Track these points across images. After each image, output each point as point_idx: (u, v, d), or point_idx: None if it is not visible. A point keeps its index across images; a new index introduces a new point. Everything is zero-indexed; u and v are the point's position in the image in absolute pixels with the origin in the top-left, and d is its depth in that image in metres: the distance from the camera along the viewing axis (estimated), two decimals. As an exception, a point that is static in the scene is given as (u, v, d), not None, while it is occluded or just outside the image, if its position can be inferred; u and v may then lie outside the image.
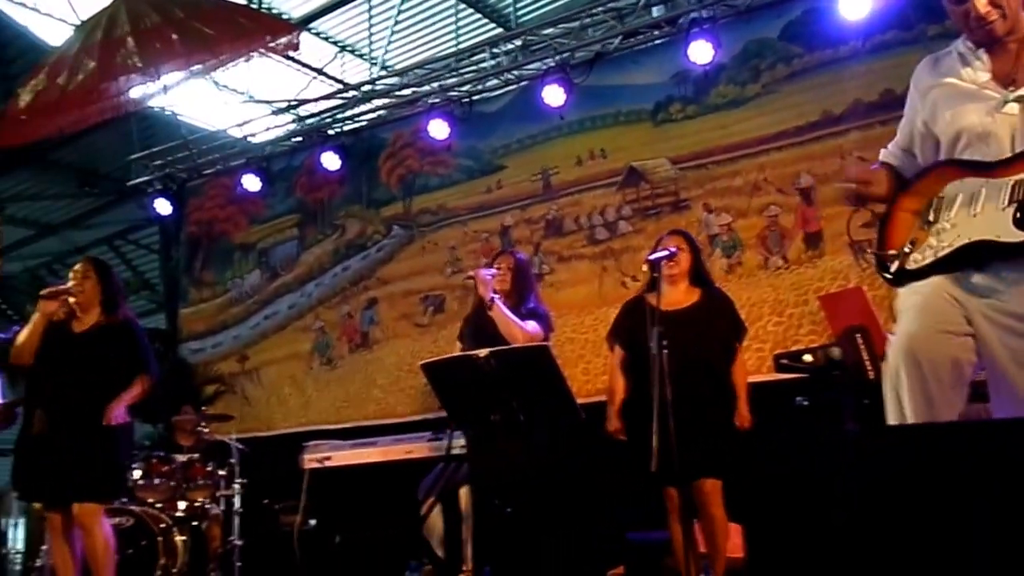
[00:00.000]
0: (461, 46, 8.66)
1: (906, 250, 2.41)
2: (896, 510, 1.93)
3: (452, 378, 4.06)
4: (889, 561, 1.91)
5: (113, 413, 4.26)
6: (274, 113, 8.44)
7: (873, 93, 5.58)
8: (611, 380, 4.37)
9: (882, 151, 2.68)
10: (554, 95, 6.44)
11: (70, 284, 4.44)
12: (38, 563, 5.76)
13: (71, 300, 4.42)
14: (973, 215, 2.31)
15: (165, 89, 6.88)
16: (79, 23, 7.50)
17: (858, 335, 4.09)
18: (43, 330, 4.36)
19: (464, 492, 4.81)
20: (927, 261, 2.36)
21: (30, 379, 4.54)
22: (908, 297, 2.42)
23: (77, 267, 4.52)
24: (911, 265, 2.39)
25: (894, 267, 2.43)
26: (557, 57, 6.60)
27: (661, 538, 4.48)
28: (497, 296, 4.38)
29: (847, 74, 5.71)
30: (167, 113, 9.56)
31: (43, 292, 4.41)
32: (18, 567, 6.32)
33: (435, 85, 7.31)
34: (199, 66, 6.57)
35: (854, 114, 5.62)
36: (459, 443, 4.71)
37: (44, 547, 5.62)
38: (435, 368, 4.13)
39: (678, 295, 4.19)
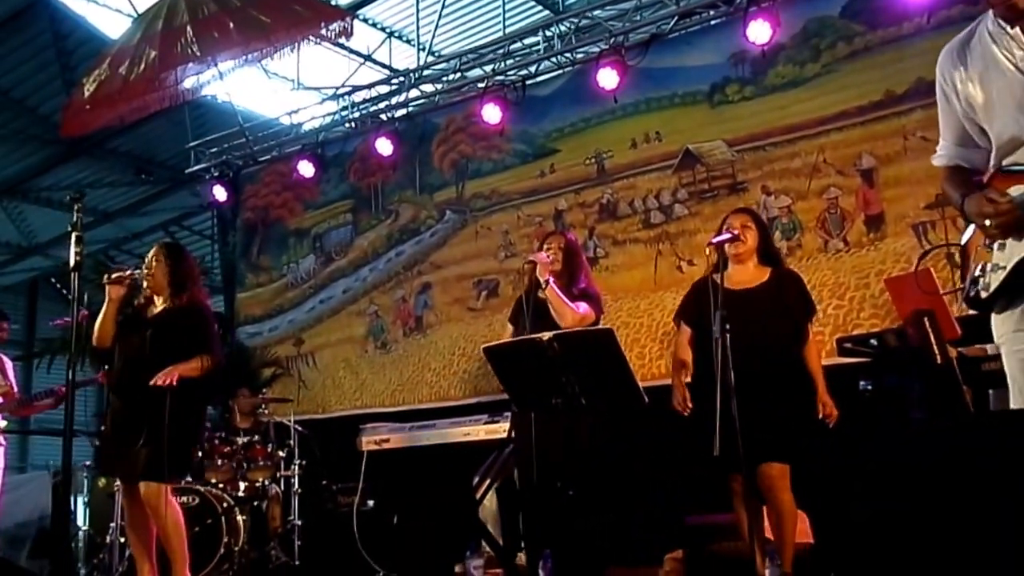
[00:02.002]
0: (509, 30, 8.64)
1: (977, 274, 2.26)
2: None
3: (514, 362, 4.06)
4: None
5: (164, 377, 4.23)
6: (322, 101, 8.50)
7: (938, 72, 5.45)
8: (678, 355, 4.30)
9: (937, 156, 2.45)
10: (608, 78, 6.39)
11: (143, 270, 4.52)
12: (107, 540, 5.91)
13: (145, 286, 4.51)
14: None
15: (221, 76, 6.97)
16: (139, 13, 7.61)
17: (925, 318, 4.02)
18: (116, 315, 4.45)
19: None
20: (994, 287, 2.20)
21: (110, 363, 4.66)
22: (1008, 361, 2.27)
23: (150, 253, 4.60)
24: (984, 293, 2.24)
25: (972, 294, 2.27)
26: (611, 39, 6.55)
27: (720, 522, 4.47)
28: (551, 278, 4.40)
29: (911, 52, 5.59)
30: (220, 101, 9.69)
31: (106, 279, 4.48)
32: (81, 545, 6.43)
33: (487, 69, 7.30)
34: (254, 54, 6.65)
35: (918, 93, 5.48)
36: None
37: (112, 524, 5.77)
38: (497, 352, 4.14)
39: (746, 274, 4.13)
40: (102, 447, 4.55)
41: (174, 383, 4.23)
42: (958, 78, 2.29)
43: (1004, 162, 2.23)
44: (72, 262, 3.41)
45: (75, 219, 3.41)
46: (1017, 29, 2.15)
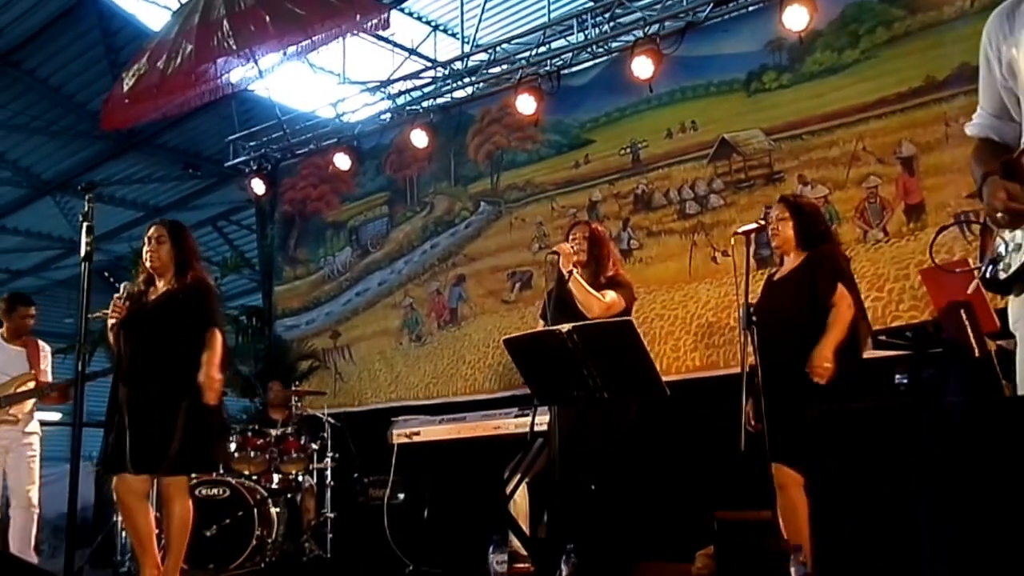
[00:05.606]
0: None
1: (998, 253, 2.12)
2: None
3: (535, 354, 4.02)
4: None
5: (213, 387, 4.10)
6: (364, 92, 8.53)
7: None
8: None
9: (971, 125, 2.30)
10: (643, 67, 6.29)
11: (145, 252, 4.32)
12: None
13: (148, 266, 4.30)
14: None
15: (261, 73, 7.03)
16: (178, 7, 7.71)
17: (962, 310, 3.89)
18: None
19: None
20: (1015, 267, 2.06)
21: (115, 353, 4.48)
22: None
23: (152, 232, 4.34)
24: (1003, 274, 2.10)
25: (990, 275, 2.14)
26: (646, 28, 6.45)
27: (751, 518, 4.38)
28: (575, 268, 4.37)
29: (952, 37, 5.41)
30: (266, 96, 9.79)
31: (110, 326, 4.29)
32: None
33: (523, 59, 7.25)
34: (293, 48, 6.69)
35: (960, 79, 5.29)
36: (544, 419, 4.68)
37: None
38: (517, 344, 4.11)
39: (789, 264, 4.08)
40: (112, 441, 4.20)
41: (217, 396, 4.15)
42: (1002, 43, 2.12)
43: None
44: (83, 252, 3.39)
45: (87, 209, 3.39)
46: None
